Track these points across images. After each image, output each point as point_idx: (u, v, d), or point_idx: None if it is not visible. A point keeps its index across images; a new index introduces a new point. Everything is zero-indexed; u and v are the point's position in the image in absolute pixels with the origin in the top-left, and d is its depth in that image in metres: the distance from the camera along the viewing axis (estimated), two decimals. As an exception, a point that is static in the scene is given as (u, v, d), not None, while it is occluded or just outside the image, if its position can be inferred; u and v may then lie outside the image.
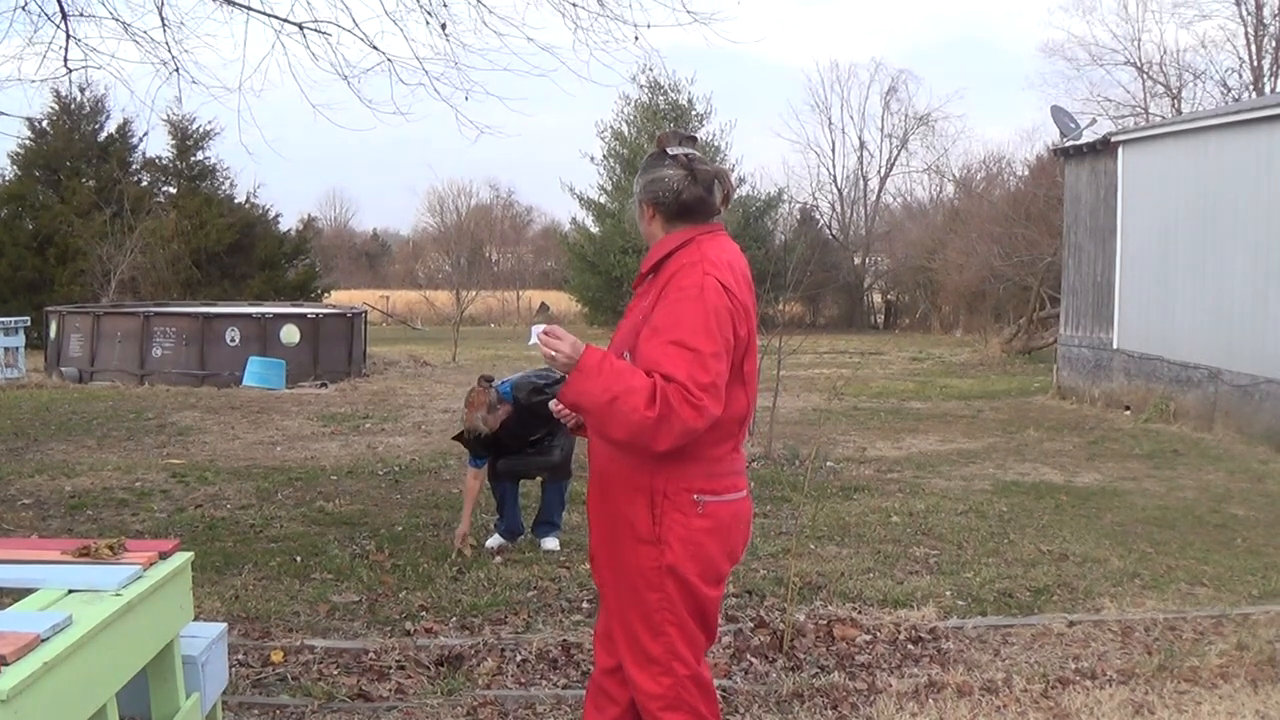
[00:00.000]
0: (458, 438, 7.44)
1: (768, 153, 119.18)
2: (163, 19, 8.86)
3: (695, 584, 3.27)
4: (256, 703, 4.64)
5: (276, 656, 5.12)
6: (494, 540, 7.45)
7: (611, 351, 3.29)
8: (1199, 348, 14.18)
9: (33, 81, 12.55)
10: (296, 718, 4.52)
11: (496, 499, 7.60)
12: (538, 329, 3.21)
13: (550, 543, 7.43)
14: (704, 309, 3.16)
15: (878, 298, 45.16)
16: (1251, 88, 31.83)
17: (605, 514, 3.37)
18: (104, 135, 34.07)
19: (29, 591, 3.36)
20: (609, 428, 3.12)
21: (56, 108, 32.89)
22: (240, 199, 35.63)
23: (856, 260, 44.59)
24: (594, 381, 3.09)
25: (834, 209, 47.77)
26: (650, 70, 34.95)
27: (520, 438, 7.23)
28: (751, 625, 5.58)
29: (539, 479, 7.64)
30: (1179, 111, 31.85)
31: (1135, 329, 15.99)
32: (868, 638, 5.48)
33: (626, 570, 3.31)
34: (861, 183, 47.99)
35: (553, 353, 3.14)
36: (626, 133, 38.86)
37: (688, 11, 8.71)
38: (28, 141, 32.65)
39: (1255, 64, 32.55)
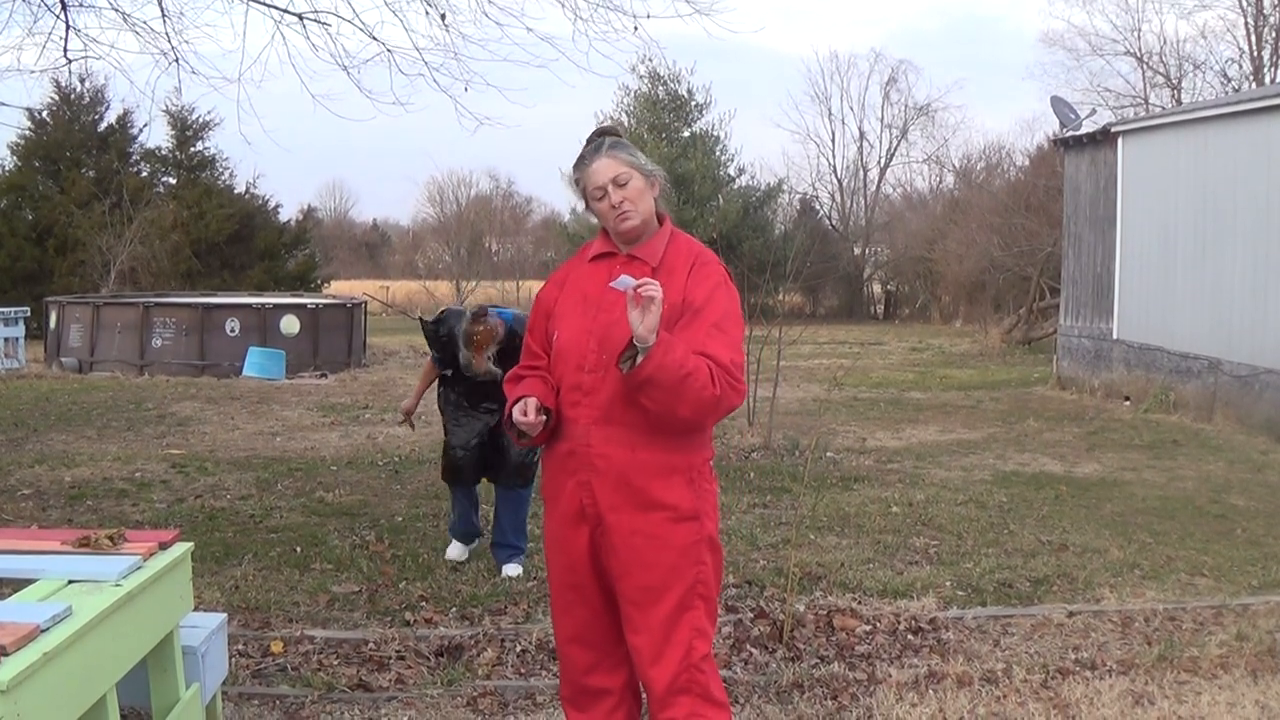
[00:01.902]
0: (429, 325, 6.74)
1: (767, 143, 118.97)
2: (162, 9, 8.86)
3: (720, 546, 3.45)
4: (256, 693, 4.64)
5: (276, 647, 5.13)
6: (453, 550, 6.89)
7: (625, 334, 3.25)
8: (1199, 338, 14.18)
9: (32, 72, 12.60)
10: (296, 708, 4.52)
11: (453, 501, 7.02)
12: (631, 280, 3.11)
13: (513, 569, 6.59)
14: (733, 297, 3.38)
15: (877, 288, 45.13)
16: (1251, 78, 31.80)
17: (634, 504, 3.31)
18: (104, 126, 34.06)
19: (29, 582, 3.36)
20: (678, 404, 3.17)
21: (56, 98, 32.89)
22: (240, 189, 35.66)
23: (856, 251, 44.57)
24: (673, 355, 3.13)
25: (834, 199, 47.80)
26: (650, 61, 34.95)
27: (491, 379, 6.40)
28: (751, 616, 5.58)
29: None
30: (1179, 102, 31.82)
31: (1135, 319, 15.98)
32: (867, 628, 5.48)
33: (667, 554, 3.32)
34: (861, 173, 47.98)
35: (647, 312, 3.08)
36: (626, 123, 38.76)
37: (687, 2, 8.71)
38: (27, 132, 32.66)
39: (1255, 54, 32.51)
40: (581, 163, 3.45)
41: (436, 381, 7.02)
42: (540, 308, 3.59)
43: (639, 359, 3.13)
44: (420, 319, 7.10)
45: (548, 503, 3.55)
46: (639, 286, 3.09)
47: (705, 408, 3.20)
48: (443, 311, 6.75)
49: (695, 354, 3.18)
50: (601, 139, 3.48)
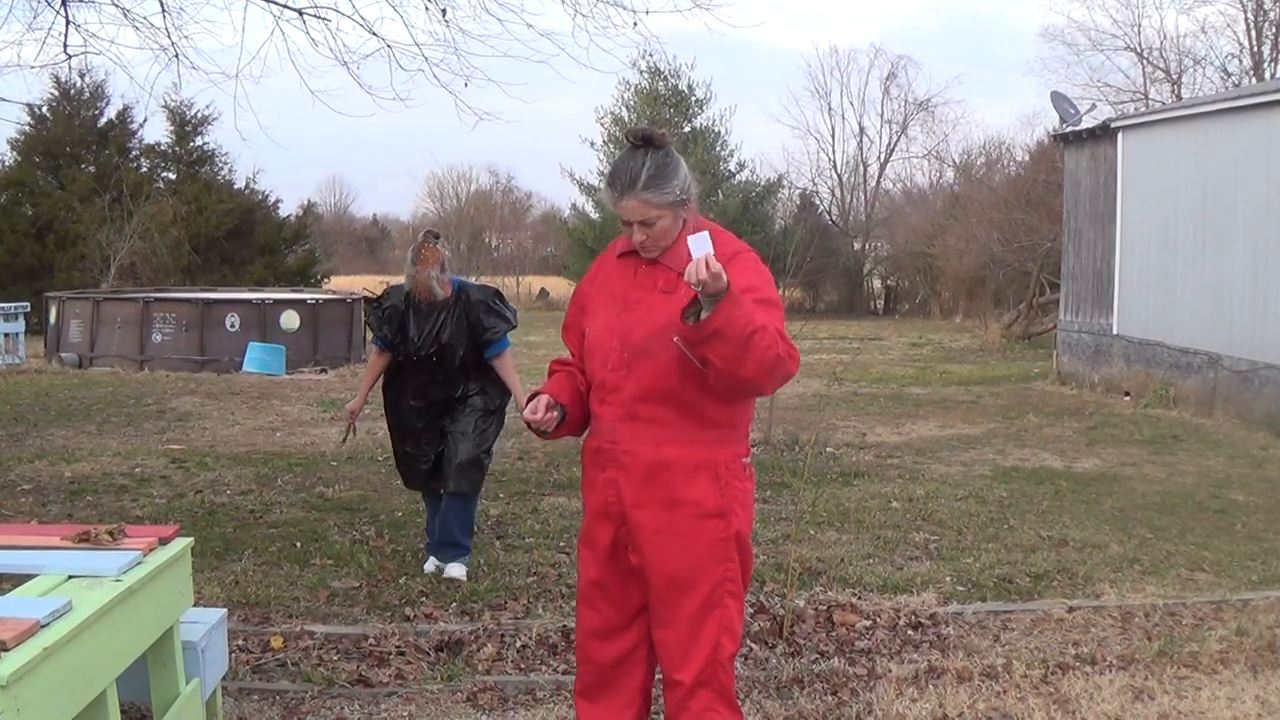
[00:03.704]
0: (374, 302, 6.40)
1: (767, 138, 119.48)
2: (162, 5, 8.85)
3: (749, 544, 3.43)
4: (256, 688, 4.64)
5: (276, 642, 5.13)
6: (431, 564, 6.44)
7: (646, 334, 3.28)
8: (1199, 333, 14.17)
9: (32, 67, 12.61)
10: (296, 703, 4.52)
11: (428, 509, 6.67)
12: (705, 243, 3.00)
13: (457, 569, 6.30)
14: (769, 279, 3.37)
15: (877, 283, 45.16)
16: (1251, 73, 31.77)
17: (659, 501, 3.31)
18: (103, 121, 34.05)
19: (29, 577, 3.37)
20: (744, 363, 3.07)
21: (56, 93, 32.89)
22: (240, 185, 35.64)
23: (856, 246, 44.56)
24: (741, 310, 3.03)
25: (834, 194, 47.78)
26: (650, 56, 34.89)
27: (439, 349, 6.17)
28: (751, 611, 5.58)
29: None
30: (1179, 97, 31.78)
31: (1135, 314, 15.98)
32: (868, 623, 5.48)
33: (693, 550, 3.32)
34: (861, 168, 47.95)
35: (712, 273, 2.95)
36: (626, 118, 38.78)
37: (687, -4, 8.72)
38: (27, 127, 32.65)
39: (1255, 50, 32.49)
40: (613, 186, 3.30)
41: (385, 385, 6.52)
42: (576, 303, 3.60)
43: (703, 314, 3.03)
44: (365, 295, 6.73)
45: (584, 498, 3.56)
46: (708, 259, 2.95)
47: (768, 367, 3.11)
48: (389, 287, 6.46)
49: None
50: (639, 164, 3.28)
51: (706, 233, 3.08)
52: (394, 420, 6.46)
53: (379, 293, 6.45)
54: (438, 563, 6.43)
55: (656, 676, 3.58)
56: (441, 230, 6.21)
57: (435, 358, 6.19)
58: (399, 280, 6.38)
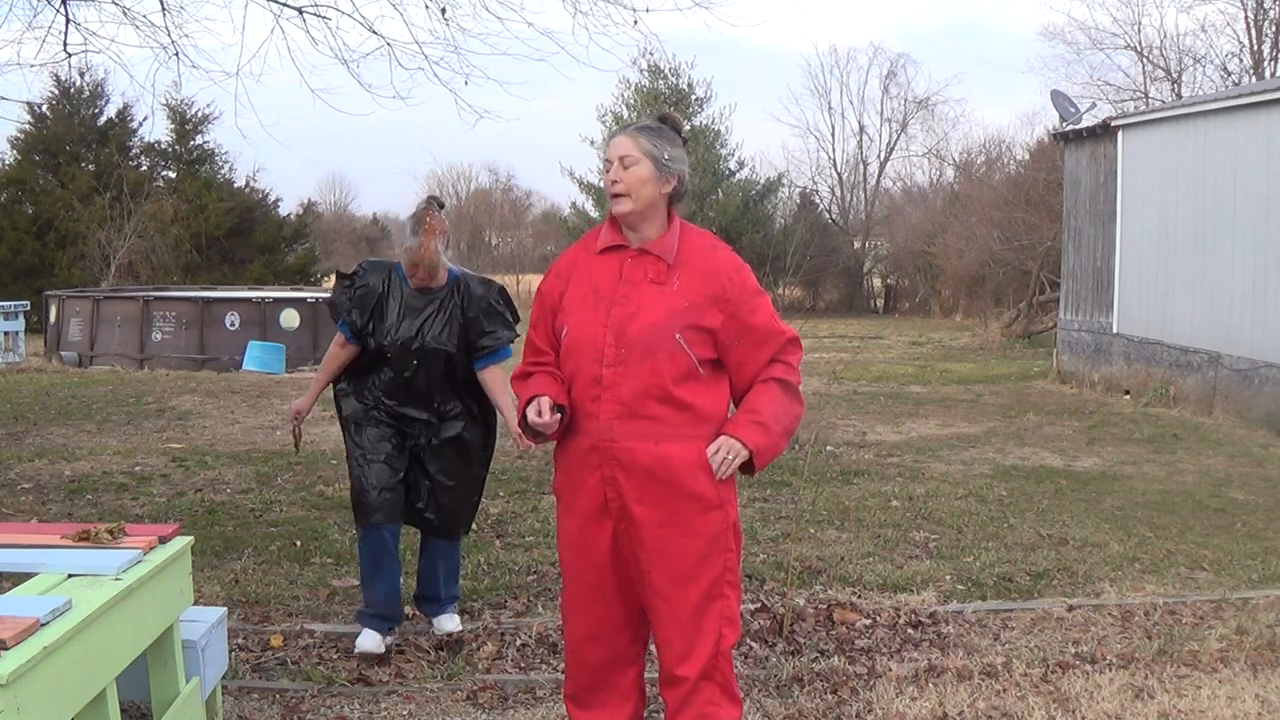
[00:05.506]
0: (345, 278, 5.16)
1: (767, 137, 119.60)
2: (162, 3, 8.85)
3: (741, 529, 3.51)
4: (256, 687, 4.65)
5: (276, 641, 5.13)
6: (367, 639, 4.95)
7: (643, 330, 3.31)
8: (1199, 332, 14.17)
9: (32, 66, 12.61)
10: (296, 702, 4.52)
11: (363, 560, 5.15)
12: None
13: (450, 623, 5.22)
14: (751, 273, 3.54)
15: (877, 282, 45.10)
16: (1251, 72, 31.76)
17: (661, 496, 3.32)
18: (103, 120, 34.02)
19: (29, 576, 3.37)
20: (789, 437, 3.55)
21: (56, 92, 32.87)
22: (240, 183, 35.64)
23: (856, 244, 44.52)
24: (778, 444, 3.47)
25: (834, 193, 47.72)
26: (650, 54, 34.87)
27: (421, 351, 4.95)
28: (751, 609, 5.58)
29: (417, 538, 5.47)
30: (1179, 96, 31.77)
31: (1135, 313, 15.98)
32: (867, 622, 5.49)
33: (697, 542, 3.35)
34: (861, 167, 47.92)
35: (731, 468, 3.36)
36: (626, 117, 38.72)
37: (687, -5, 8.72)
38: (27, 126, 32.63)
39: (1255, 48, 32.46)
40: (610, 133, 3.54)
41: (341, 385, 5.29)
42: (545, 301, 3.53)
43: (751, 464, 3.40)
44: (338, 272, 5.40)
45: (564, 501, 3.51)
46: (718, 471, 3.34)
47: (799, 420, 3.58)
48: (365, 262, 5.19)
49: (763, 384, 3.46)
50: (645, 120, 3.54)
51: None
52: (354, 438, 5.17)
53: (353, 272, 5.18)
54: (377, 641, 5.00)
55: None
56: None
57: (415, 360, 4.98)
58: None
